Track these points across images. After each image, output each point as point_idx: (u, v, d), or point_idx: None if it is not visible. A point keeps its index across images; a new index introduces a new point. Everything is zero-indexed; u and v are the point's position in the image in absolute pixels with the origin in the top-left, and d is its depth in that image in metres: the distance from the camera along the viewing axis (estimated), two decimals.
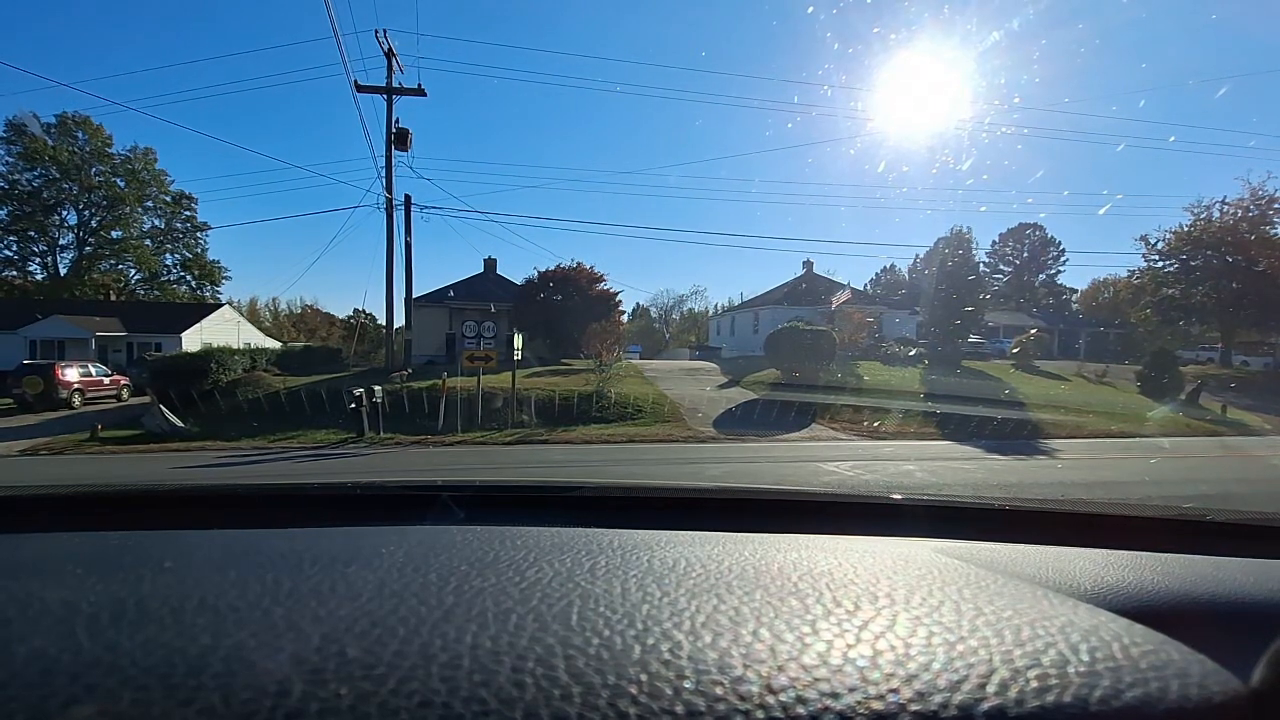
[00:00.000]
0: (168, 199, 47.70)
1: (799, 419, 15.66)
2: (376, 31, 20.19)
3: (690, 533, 0.87)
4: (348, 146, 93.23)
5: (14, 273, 44.29)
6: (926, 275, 30.50)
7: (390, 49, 20.39)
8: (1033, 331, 30.74)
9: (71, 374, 20.85)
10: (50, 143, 41.65)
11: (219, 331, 31.74)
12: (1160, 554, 0.85)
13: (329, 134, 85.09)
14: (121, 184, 44.93)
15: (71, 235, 45.08)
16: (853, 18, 57.30)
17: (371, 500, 1.26)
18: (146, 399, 16.43)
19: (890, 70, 38.00)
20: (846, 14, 66.42)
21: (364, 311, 47.11)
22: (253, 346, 25.58)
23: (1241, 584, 0.70)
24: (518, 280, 30.55)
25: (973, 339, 29.03)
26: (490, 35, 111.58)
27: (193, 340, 29.30)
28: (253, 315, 51.72)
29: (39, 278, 44.39)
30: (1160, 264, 32.32)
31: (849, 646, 0.47)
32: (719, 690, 0.40)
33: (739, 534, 0.87)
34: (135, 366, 25.91)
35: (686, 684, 0.41)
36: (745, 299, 46.39)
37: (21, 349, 27.83)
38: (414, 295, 22.74)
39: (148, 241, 47.22)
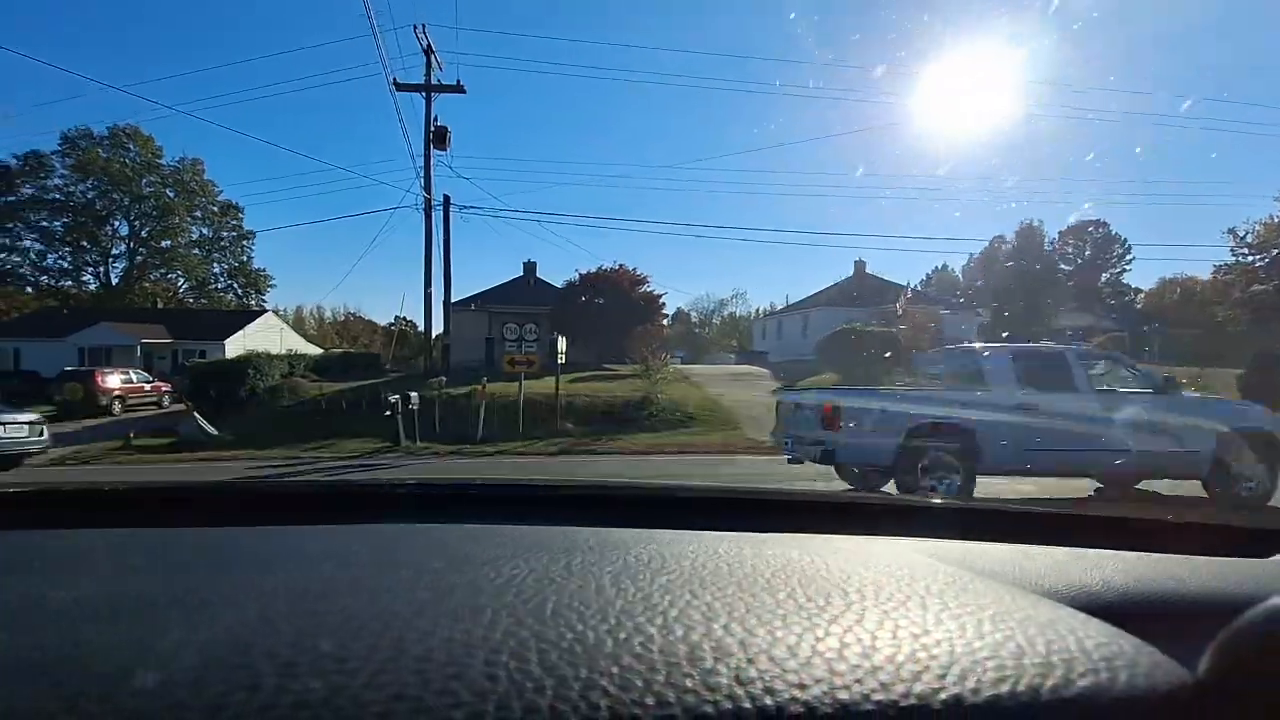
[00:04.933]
0: (215, 209, 48.74)
1: None
2: (415, 28, 19.63)
3: (667, 531, 0.86)
4: (386, 147, 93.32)
5: (69, 282, 45.72)
6: (994, 272, 28.70)
7: (429, 45, 19.82)
8: (1108, 335, 28.62)
9: (112, 380, 20.78)
10: (103, 155, 42.83)
11: (261, 338, 31.80)
12: (1122, 552, 0.86)
13: (366, 135, 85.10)
14: (171, 194, 46.01)
15: (123, 245, 46.40)
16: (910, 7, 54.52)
17: (346, 498, 1.24)
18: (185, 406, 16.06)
19: (947, 61, 36.29)
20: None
21: (403, 317, 47.07)
22: (294, 353, 25.35)
23: (1195, 581, 0.72)
24: (557, 284, 29.77)
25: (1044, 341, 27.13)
26: (531, 29, 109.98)
27: (236, 347, 29.38)
28: (298, 323, 52.37)
29: (92, 287, 45.75)
30: (1250, 258, 29.88)
31: (818, 640, 0.48)
32: (689, 682, 0.41)
33: (715, 532, 0.87)
34: (179, 373, 26.01)
35: (657, 676, 0.42)
36: (791, 302, 44.97)
37: (72, 356, 28.28)
38: (453, 299, 22.15)
39: (196, 250, 48.23)
